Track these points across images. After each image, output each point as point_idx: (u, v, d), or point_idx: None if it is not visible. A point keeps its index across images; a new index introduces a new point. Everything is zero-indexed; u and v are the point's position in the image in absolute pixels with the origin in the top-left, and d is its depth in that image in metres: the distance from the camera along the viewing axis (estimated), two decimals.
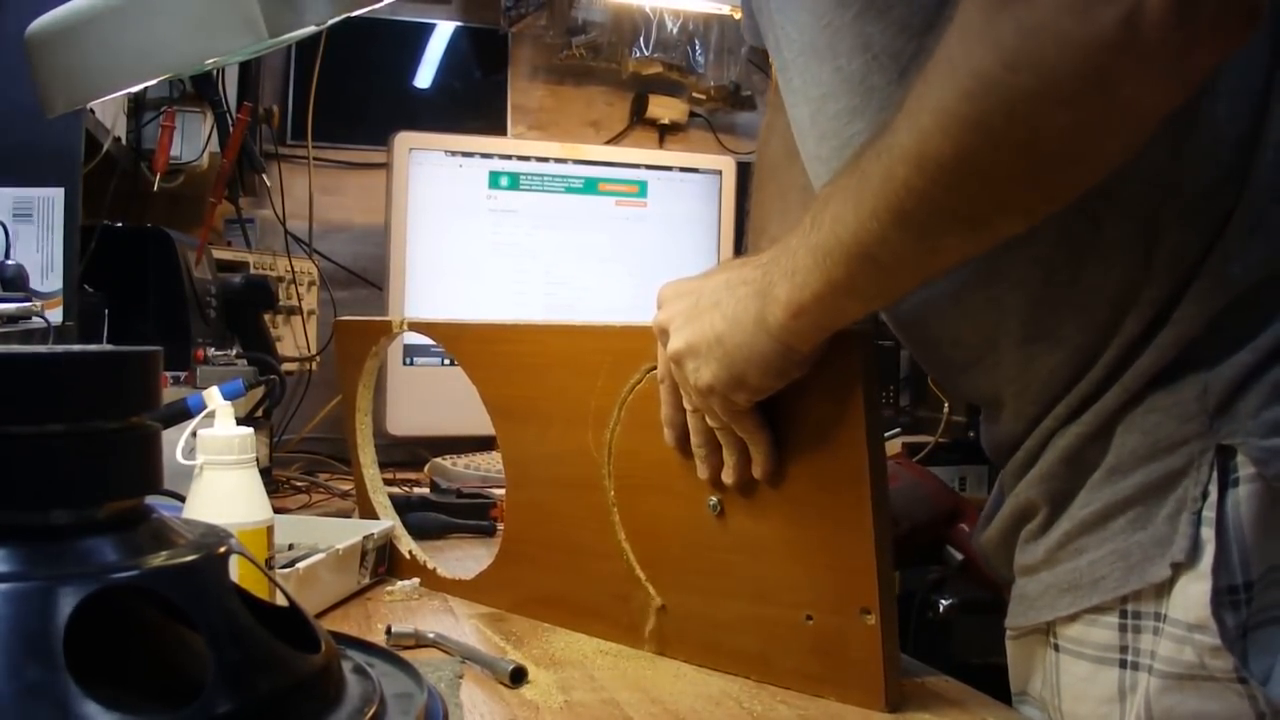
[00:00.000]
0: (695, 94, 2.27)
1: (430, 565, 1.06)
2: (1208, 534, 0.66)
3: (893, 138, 0.62)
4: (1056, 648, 0.74)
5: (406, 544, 1.09)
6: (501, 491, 1.51)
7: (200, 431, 0.82)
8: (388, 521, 1.10)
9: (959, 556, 1.13)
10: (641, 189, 1.93)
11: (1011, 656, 0.80)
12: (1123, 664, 0.69)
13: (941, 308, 0.77)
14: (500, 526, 1.33)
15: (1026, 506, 0.76)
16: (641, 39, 2.15)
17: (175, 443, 0.80)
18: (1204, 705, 0.66)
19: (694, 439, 0.80)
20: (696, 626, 0.84)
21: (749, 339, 0.71)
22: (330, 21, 0.72)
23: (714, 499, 0.82)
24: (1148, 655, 0.68)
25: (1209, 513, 0.66)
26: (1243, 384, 0.67)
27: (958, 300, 0.76)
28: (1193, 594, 0.66)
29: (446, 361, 1.84)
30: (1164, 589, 0.68)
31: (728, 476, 0.79)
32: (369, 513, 1.14)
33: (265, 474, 0.99)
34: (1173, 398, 0.69)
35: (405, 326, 1.07)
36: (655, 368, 0.82)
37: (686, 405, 0.79)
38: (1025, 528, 0.77)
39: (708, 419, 0.78)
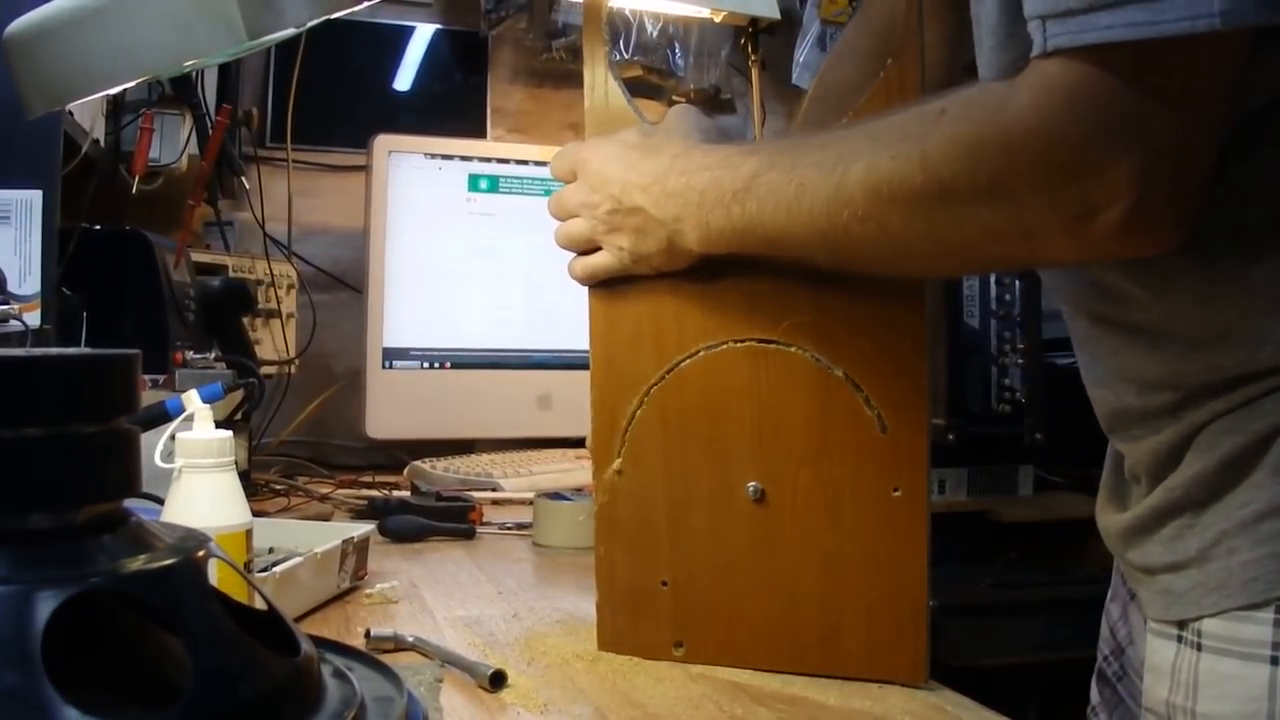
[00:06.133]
0: (675, 97, 2.27)
1: None
2: None
3: (844, 173, 0.69)
4: (1199, 646, 0.72)
5: None
6: (480, 494, 1.52)
7: (179, 435, 0.81)
8: (367, 525, 1.10)
9: None
10: None
11: (1150, 652, 0.77)
12: (1274, 660, 0.68)
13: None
14: (479, 529, 1.33)
15: (1180, 501, 0.74)
16: (621, 42, 2.15)
17: (154, 446, 0.80)
18: None
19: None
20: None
21: (659, 249, 0.83)
22: (310, 24, 0.72)
23: (753, 484, 0.83)
24: None
25: None
26: None
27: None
28: None
29: (426, 365, 1.84)
30: None
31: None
32: None
33: (244, 477, 0.98)
34: None
35: None
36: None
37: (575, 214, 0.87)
38: (1172, 522, 0.74)
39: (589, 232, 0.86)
